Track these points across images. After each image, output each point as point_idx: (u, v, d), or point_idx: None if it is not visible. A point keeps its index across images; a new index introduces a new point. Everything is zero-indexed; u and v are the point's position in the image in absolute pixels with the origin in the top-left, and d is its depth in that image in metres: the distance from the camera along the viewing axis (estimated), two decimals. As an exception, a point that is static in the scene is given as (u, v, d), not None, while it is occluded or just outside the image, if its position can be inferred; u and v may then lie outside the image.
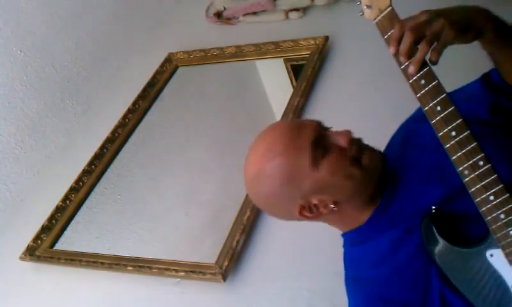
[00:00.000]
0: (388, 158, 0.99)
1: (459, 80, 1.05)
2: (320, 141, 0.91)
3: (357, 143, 0.93)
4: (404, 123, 1.11)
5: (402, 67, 0.82)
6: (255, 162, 0.94)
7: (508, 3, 1.92)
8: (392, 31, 0.82)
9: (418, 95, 0.81)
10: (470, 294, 0.88)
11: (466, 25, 0.83)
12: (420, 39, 0.80)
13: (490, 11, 0.87)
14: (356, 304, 0.99)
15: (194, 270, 1.61)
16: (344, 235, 1.03)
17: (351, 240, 1.02)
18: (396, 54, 0.82)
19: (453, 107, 0.80)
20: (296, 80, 2.15)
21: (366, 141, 0.97)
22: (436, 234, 0.88)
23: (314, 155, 0.89)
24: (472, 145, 0.80)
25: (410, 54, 0.80)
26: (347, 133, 0.93)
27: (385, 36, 0.83)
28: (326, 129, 0.96)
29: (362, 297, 0.97)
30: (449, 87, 0.86)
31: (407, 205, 0.95)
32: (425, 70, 0.80)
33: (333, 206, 0.93)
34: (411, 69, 0.80)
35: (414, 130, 1.05)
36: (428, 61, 0.81)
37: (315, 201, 0.93)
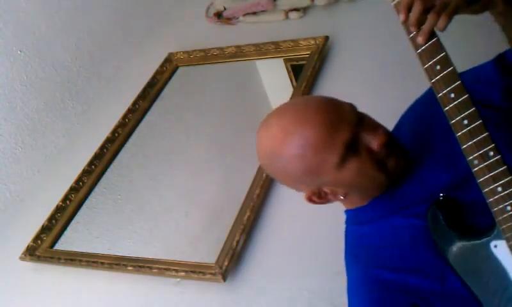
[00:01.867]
0: (400, 137, 0.99)
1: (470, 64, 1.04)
2: (354, 142, 0.88)
3: (387, 146, 0.90)
4: (414, 103, 1.10)
5: (418, 51, 0.79)
6: (281, 138, 0.89)
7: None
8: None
9: (432, 81, 0.80)
10: (472, 283, 0.88)
11: None
12: (429, 8, 0.78)
13: None
14: (354, 283, 0.98)
15: (194, 270, 1.61)
16: (347, 212, 1.02)
17: (355, 218, 1.01)
18: (405, 23, 0.79)
19: (467, 95, 0.79)
20: (296, 80, 2.15)
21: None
22: (442, 221, 0.88)
23: (344, 157, 0.87)
24: (484, 135, 0.79)
25: (419, 23, 0.77)
26: (382, 136, 0.89)
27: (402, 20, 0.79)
28: (361, 122, 0.90)
29: (361, 276, 0.97)
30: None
31: (415, 189, 0.95)
32: (441, 55, 0.78)
33: (342, 196, 0.94)
34: (419, 40, 0.78)
35: (426, 112, 1.05)
36: (441, 43, 0.79)
37: (326, 190, 0.93)
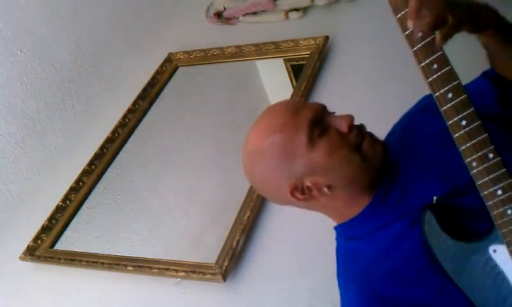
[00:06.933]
0: (389, 147, 0.98)
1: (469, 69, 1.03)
2: (319, 121, 0.90)
3: (358, 129, 0.91)
4: (406, 112, 1.10)
5: (414, 49, 0.77)
6: (252, 138, 0.95)
7: (508, 3, 1.92)
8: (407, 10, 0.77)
9: (429, 80, 0.77)
10: (469, 289, 0.86)
11: (477, 12, 0.81)
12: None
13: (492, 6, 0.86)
14: (349, 300, 0.97)
15: (194, 270, 1.61)
16: (337, 228, 1.01)
17: (346, 234, 1.00)
18: (409, 34, 0.77)
19: (465, 95, 0.77)
20: (296, 80, 2.15)
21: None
22: (437, 225, 0.86)
23: (311, 134, 0.88)
24: (482, 136, 0.77)
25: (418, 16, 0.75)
26: (349, 117, 0.91)
27: (398, 15, 0.77)
28: (329, 113, 0.95)
29: (356, 292, 0.95)
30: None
31: (407, 198, 0.93)
32: (438, 54, 0.76)
33: (326, 189, 0.91)
34: (418, 34, 0.76)
35: (417, 121, 1.04)
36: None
37: (308, 183, 0.91)
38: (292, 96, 2.04)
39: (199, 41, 2.52)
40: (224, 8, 2.62)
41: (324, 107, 0.95)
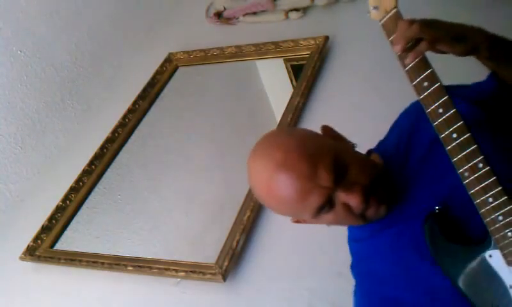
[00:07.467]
0: (395, 143, 1.00)
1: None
2: (328, 202, 0.87)
3: (366, 201, 0.87)
4: (413, 108, 1.07)
5: (406, 69, 0.82)
6: (261, 190, 0.91)
7: (508, 3, 1.92)
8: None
9: (421, 97, 0.82)
10: (470, 294, 0.88)
11: (461, 35, 0.83)
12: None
13: (486, 30, 0.86)
14: (357, 295, 1.00)
15: (194, 270, 1.61)
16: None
17: (351, 235, 1.04)
18: (401, 54, 0.82)
19: (454, 110, 0.80)
20: (296, 80, 2.15)
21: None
22: (439, 233, 0.88)
23: (317, 214, 0.88)
24: (472, 148, 0.81)
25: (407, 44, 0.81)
26: (358, 196, 0.85)
27: (390, 38, 0.83)
28: (341, 177, 0.86)
29: (359, 291, 0.99)
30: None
31: (411, 203, 0.94)
32: (428, 71, 0.81)
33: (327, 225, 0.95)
34: (408, 59, 0.80)
35: (420, 129, 1.05)
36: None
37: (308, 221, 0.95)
38: (292, 96, 2.04)
39: (199, 41, 2.52)
40: (224, 8, 2.62)
41: (334, 175, 0.85)
